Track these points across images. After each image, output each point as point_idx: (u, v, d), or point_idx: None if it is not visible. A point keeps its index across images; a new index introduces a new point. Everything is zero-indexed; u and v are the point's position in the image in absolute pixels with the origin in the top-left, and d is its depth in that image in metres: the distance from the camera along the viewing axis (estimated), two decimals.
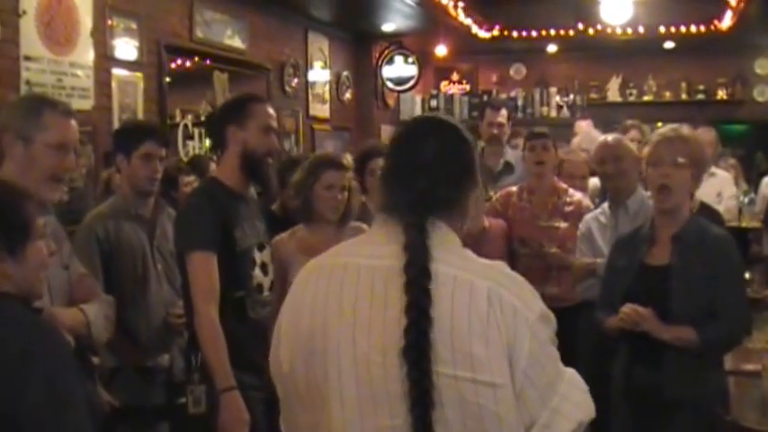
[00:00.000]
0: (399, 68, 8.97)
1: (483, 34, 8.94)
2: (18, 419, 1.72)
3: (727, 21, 8.35)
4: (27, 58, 4.41)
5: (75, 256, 2.74)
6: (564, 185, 4.33)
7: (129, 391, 3.17)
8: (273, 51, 7.33)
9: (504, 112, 5.32)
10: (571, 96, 9.98)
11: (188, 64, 6.26)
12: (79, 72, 4.82)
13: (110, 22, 5.13)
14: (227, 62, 6.62)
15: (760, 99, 9.79)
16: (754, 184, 7.43)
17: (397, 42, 8.93)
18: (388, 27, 8.49)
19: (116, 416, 2.90)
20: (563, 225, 4.15)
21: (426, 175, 1.56)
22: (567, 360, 1.56)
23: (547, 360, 1.50)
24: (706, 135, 6.01)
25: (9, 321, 1.84)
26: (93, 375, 2.75)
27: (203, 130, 6.17)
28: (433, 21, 8.16)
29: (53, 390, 1.76)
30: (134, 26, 5.36)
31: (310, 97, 8.02)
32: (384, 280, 1.50)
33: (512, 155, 5.21)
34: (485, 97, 9.44)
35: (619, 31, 8.77)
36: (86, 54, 4.89)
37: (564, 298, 3.74)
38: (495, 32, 9.11)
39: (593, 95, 10.05)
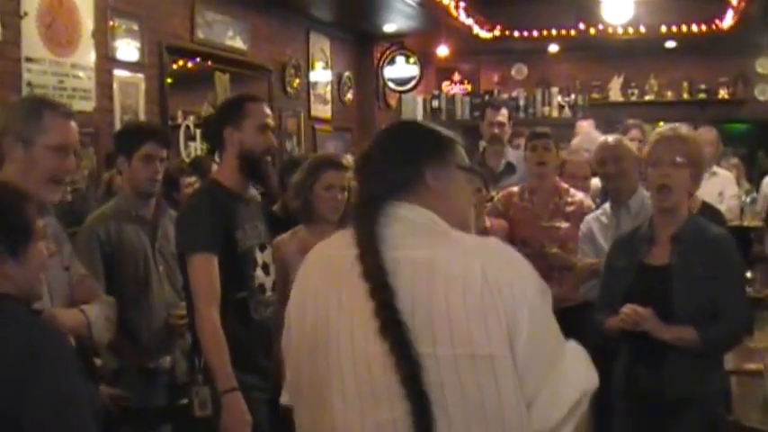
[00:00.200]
0: (401, 69, 8.94)
1: (484, 34, 8.92)
2: (20, 420, 1.72)
3: (728, 20, 8.34)
4: (28, 60, 4.41)
5: (77, 258, 2.74)
6: (565, 186, 4.32)
7: (131, 393, 3.16)
8: (275, 52, 7.32)
9: (504, 111, 5.32)
10: (573, 96, 9.95)
11: (189, 65, 6.24)
12: (81, 73, 4.82)
13: (111, 23, 5.12)
14: (229, 63, 6.61)
15: (761, 98, 9.78)
16: (756, 183, 7.40)
17: (399, 43, 8.90)
18: (389, 27, 8.47)
19: (119, 417, 2.90)
20: (564, 225, 4.15)
21: (373, 163, 1.64)
22: None
23: (547, 332, 1.51)
24: (707, 134, 6.01)
25: (10, 322, 1.84)
26: (94, 376, 2.75)
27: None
28: (434, 21, 8.16)
29: (56, 390, 1.76)
30: (135, 27, 5.36)
31: (312, 98, 8.00)
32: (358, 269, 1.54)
33: (513, 155, 5.21)
34: (486, 97, 9.40)
35: (620, 30, 8.76)
36: (88, 55, 4.89)
37: (566, 298, 3.73)
38: (497, 33, 9.10)
39: (595, 95, 10.02)
